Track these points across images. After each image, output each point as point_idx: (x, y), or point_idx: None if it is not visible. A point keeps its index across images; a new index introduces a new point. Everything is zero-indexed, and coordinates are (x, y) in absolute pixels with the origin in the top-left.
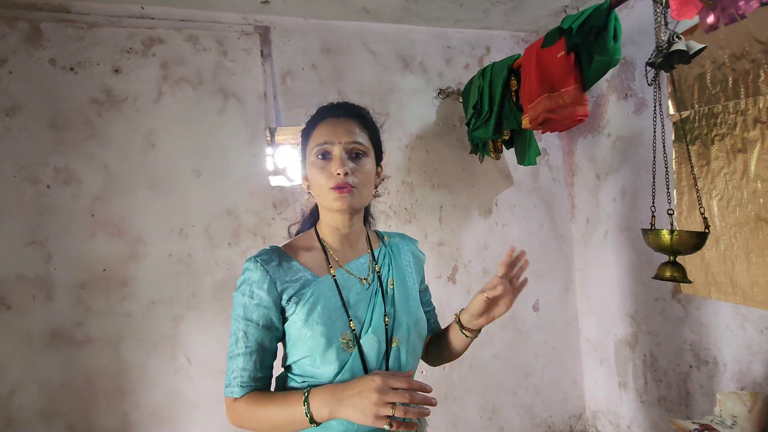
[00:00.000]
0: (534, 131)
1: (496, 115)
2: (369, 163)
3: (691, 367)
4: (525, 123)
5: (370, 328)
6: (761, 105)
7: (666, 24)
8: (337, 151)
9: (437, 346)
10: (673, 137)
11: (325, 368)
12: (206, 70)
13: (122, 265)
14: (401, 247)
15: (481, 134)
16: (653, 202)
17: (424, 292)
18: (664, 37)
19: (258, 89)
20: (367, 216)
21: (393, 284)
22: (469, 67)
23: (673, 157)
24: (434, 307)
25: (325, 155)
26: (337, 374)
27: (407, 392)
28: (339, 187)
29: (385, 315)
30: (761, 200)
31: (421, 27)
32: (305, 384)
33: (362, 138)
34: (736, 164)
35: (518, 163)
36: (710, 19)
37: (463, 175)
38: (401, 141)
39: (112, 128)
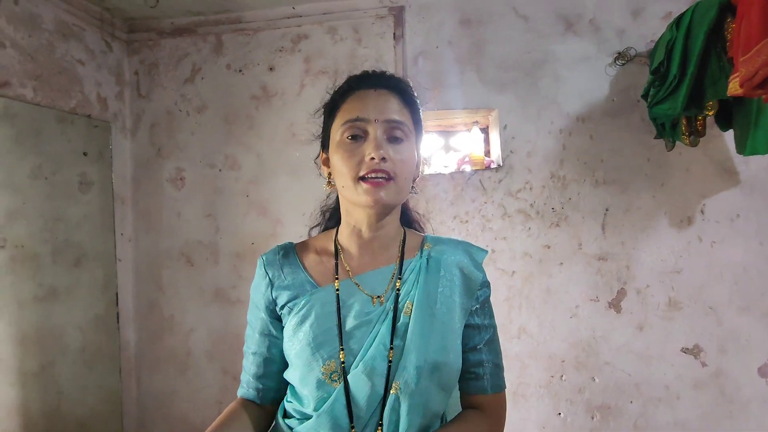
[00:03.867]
0: None
1: (691, 79)
2: (410, 149)
3: None
4: (733, 87)
5: (362, 362)
6: None
7: None
8: (372, 130)
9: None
10: None
11: (306, 398)
12: (342, 60)
13: (265, 241)
14: (446, 258)
15: (665, 110)
16: None
17: (480, 330)
18: None
19: None
20: (409, 215)
21: (411, 309)
22: (671, 16)
23: None
24: (492, 360)
25: (356, 136)
26: (316, 412)
27: None
28: (372, 177)
29: (390, 348)
30: None
31: None
32: (296, 413)
33: (404, 117)
34: None
35: (737, 150)
36: None
37: (647, 168)
38: (553, 125)
39: (264, 120)
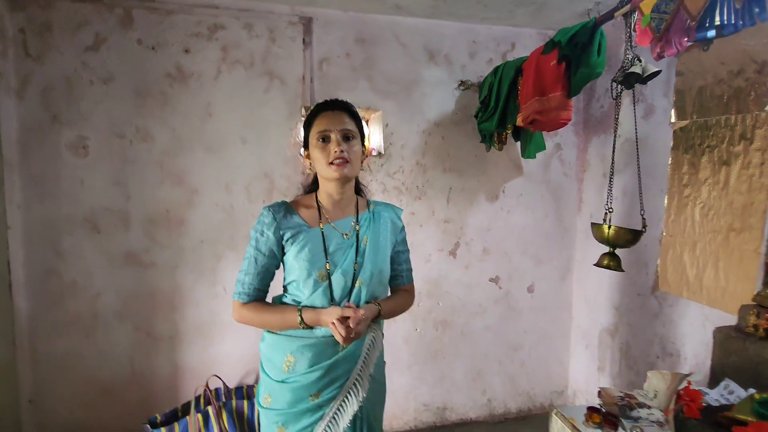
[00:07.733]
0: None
1: (501, 111)
2: (357, 144)
3: (657, 357)
4: (518, 121)
5: (340, 270)
6: (748, 122)
7: (632, 46)
8: (334, 135)
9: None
10: (671, 144)
11: (305, 290)
12: (257, 54)
13: (180, 209)
14: (383, 214)
15: (487, 127)
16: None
17: (402, 252)
18: (629, 56)
19: (298, 73)
20: (359, 187)
21: (367, 241)
22: (492, 61)
23: (669, 162)
24: (409, 267)
25: (325, 139)
26: (311, 295)
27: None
28: (336, 162)
29: (355, 262)
30: (735, 212)
31: (450, 22)
32: (293, 300)
33: (351, 125)
34: (719, 176)
35: (521, 155)
36: (657, 49)
37: (475, 162)
38: (419, 126)
39: (180, 98)
